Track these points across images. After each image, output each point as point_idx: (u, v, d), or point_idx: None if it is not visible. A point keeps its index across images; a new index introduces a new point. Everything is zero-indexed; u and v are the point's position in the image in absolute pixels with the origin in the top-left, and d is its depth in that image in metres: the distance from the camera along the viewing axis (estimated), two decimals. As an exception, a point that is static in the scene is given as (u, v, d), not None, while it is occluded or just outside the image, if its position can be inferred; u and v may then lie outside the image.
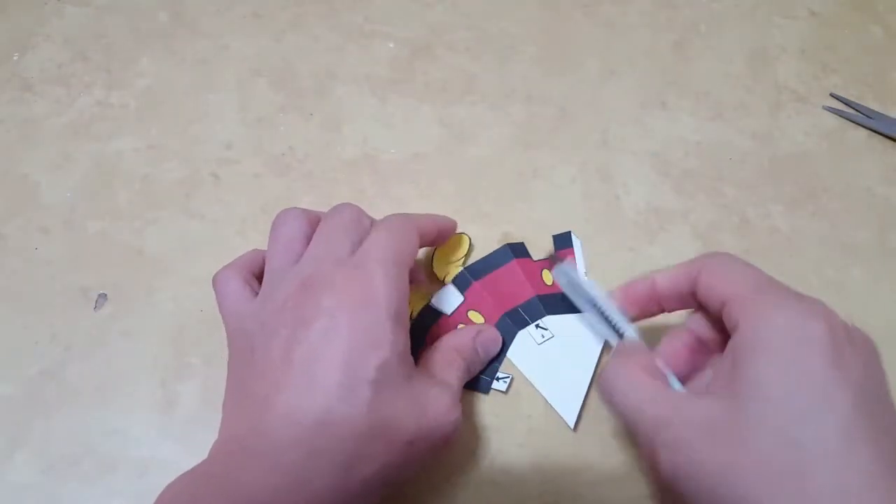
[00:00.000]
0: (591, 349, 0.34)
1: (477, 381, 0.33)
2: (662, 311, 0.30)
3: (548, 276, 0.36)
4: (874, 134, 0.42)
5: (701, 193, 0.40)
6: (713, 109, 0.43)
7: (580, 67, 0.45)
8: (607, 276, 0.37)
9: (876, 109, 0.43)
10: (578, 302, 0.33)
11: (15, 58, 0.44)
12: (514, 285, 0.36)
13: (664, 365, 0.28)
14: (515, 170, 0.41)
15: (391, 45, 0.45)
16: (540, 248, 0.38)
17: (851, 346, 0.23)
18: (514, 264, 0.36)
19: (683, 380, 0.28)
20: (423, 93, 0.43)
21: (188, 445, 0.32)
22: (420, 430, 0.26)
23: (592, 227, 0.39)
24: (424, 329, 0.35)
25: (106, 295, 0.36)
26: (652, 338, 0.30)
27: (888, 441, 0.21)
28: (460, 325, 0.35)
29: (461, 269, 0.36)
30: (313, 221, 0.31)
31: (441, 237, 0.35)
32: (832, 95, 0.44)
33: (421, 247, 0.32)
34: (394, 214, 0.31)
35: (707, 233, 0.39)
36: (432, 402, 0.27)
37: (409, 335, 0.28)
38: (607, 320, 0.31)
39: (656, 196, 0.40)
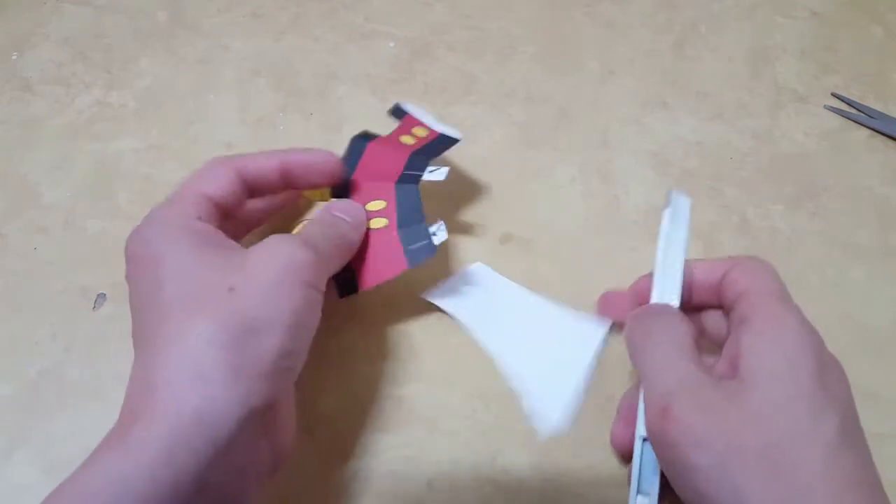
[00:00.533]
0: (583, 353, 0.34)
1: (415, 241, 0.32)
2: (689, 301, 0.30)
3: (407, 139, 0.36)
4: (875, 134, 0.42)
5: (701, 193, 0.40)
6: (713, 109, 0.43)
7: (580, 67, 0.45)
8: (608, 276, 0.37)
9: (877, 109, 0.43)
10: (661, 242, 0.31)
11: (15, 58, 0.44)
12: (385, 161, 0.35)
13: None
14: (515, 170, 0.41)
15: (391, 45, 0.45)
16: (541, 250, 0.38)
17: (832, 370, 0.25)
18: (372, 146, 0.36)
19: None
20: (423, 93, 0.43)
21: (188, 445, 0.32)
22: (237, 272, 0.25)
23: (592, 227, 0.39)
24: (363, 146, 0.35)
25: (106, 295, 0.36)
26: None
27: (866, 451, 0.24)
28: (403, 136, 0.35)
29: (328, 192, 0.35)
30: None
31: (305, 174, 0.32)
32: (833, 95, 0.44)
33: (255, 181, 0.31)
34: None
35: (707, 233, 0.39)
36: (253, 251, 0.26)
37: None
38: (668, 280, 0.30)
39: (656, 196, 0.40)
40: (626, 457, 0.31)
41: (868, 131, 0.43)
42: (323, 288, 0.27)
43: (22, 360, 0.34)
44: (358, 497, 0.31)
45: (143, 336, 0.25)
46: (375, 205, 0.33)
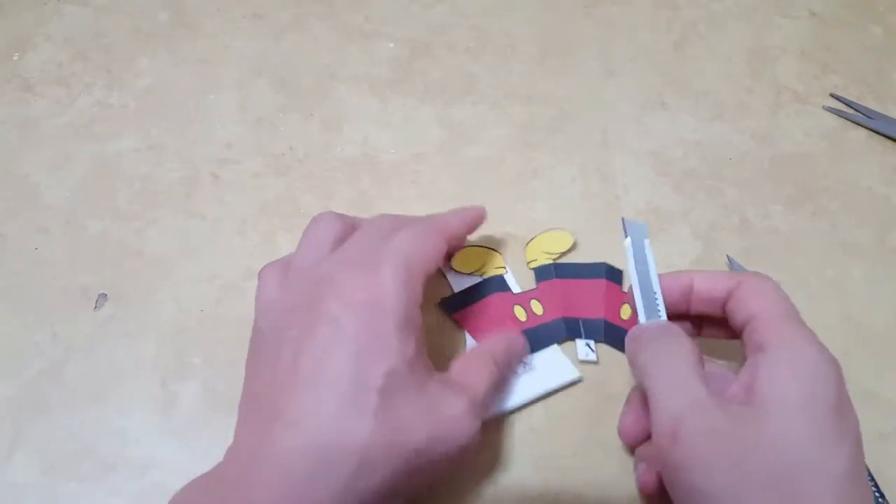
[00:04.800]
0: (538, 386, 0.34)
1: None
2: (687, 311, 0.30)
3: (625, 312, 0.35)
4: (874, 134, 0.42)
5: (701, 193, 0.40)
6: (713, 109, 0.43)
7: (580, 67, 0.45)
8: (607, 276, 0.37)
9: (876, 109, 0.43)
10: (630, 265, 0.31)
11: (15, 58, 0.44)
12: (589, 300, 0.35)
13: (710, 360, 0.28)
14: (515, 170, 0.41)
15: (391, 45, 0.45)
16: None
17: (849, 402, 0.25)
18: (602, 282, 0.36)
19: None
20: (423, 93, 0.43)
21: (188, 445, 0.32)
22: (431, 438, 0.25)
23: (592, 227, 0.39)
24: (482, 294, 0.35)
25: (106, 295, 0.36)
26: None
27: (867, 484, 0.24)
28: (516, 306, 0.35)
29: (550, 262, 0.36)
30: (348, 227, 0.30)
31: (471, 229, 0.34)
32: (832, 95, 0.44)
33: (453, 247, 0.32)
34: (421, 218, 0.31)
35: (707, 233, 0.39)
36: (446, 408, 0.26)
37: (421, 340, 0.27)
38: (650, 297, 0.30)
39: (656, 196, 0.40)
40: (633, 450, 0.31)
41: (867, 132, 0.43)
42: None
43: (22, 360, 0.34)
44: (358, 497, 0.31)
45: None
46: (536, 305, 0.35)
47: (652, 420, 0.26)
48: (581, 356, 0.34)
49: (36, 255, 0.37)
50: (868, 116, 0.43)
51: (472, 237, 0.36)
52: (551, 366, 0.34)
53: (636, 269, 0.31)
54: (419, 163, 0.41)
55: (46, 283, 0.36)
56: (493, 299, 0.35)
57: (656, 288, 0.30)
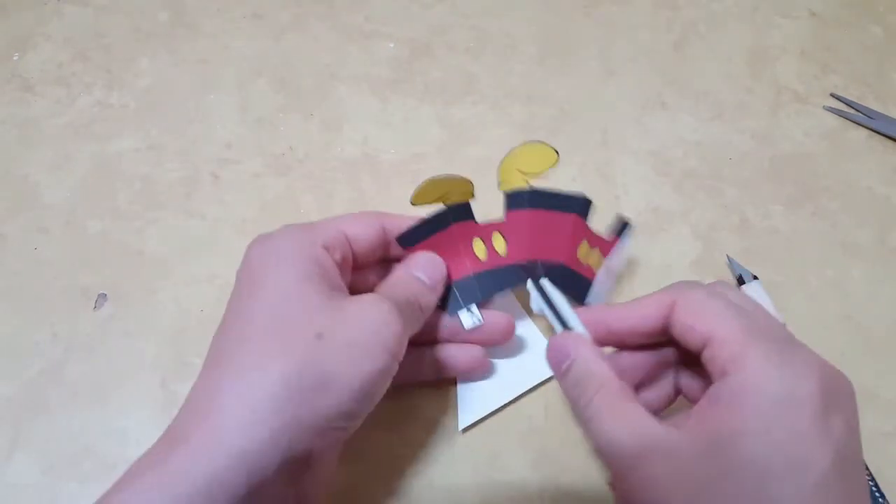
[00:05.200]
0: (527, 379, 0.34)
1: (448, 300, 0.32)
2: (627, 344, 0.29)
3: (583, 250, 0.33)
4: (874, 134, 0.42)
5: (701, 193, 0.40)
6: (713, 109, 0.43)
7: (580, 67, 0.45)
8: (607, 276, 0.37)
9: (876, 109, 0.43)
10: (547, 312, 0.30)
11: (15, 58, 0.44)
12: (554, 238, 0.33)
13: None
14: (515, 170, 0.41)
15: (391, 45, 0.45)
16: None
17: (836, 402, 0.23)
18: (570, 218, 0.33)
19: (638, 388, 0.28)
20: (423, 93, 0.43)
21: (188, 445, 0.32)
22: (330, 321, 0.25)
23: (592, 227, 0.39)
24: (442, 225, 0.32)
25: (106, 295, 0.36)
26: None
27: (857, 498, 0.22)
28: (477, 240, 0.32)
29: (527, 184, 0.33)
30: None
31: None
32: (832, 95, 0.44)
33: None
34: None
35: (707, 233, 0.39)
36: (351, 304, 0.26)
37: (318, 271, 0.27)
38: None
39: (656, 196, 0.40)
40: None
41: (867, 131, 0.43)
42: (401, 358, 0.27)
43: (22, 360, 0.34)
44: (358, 497, 0.31)
45: (219, 352, 0.26)
46: (498, 239, 0.33)
47: (601, 458, 0.25)
48: (467, 326, 0.32)
49: (36, 255, 0.37)
50: (868, 116, 0.43)
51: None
52: (539, 358, 0.34)
53: (554, 316, 0.30)
54: (419, 163, 0.41)
55: (46, 283, 0.36)
56: (454, 230, 0.32)
57: (579, 324, 0.29)
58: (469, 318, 0.32)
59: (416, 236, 0.31)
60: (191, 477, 0.22)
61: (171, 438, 0.24)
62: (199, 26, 0.46)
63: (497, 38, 0.46)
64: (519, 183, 0.33)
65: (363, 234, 0.30)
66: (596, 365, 0.26)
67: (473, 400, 0.33)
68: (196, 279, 0.37)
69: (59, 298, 0.36)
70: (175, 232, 0.38)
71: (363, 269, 0.31)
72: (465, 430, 0.33)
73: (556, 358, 0.27)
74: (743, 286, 0.36)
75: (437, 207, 0.32)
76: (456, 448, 0.32)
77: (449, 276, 0.32)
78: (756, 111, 0.43)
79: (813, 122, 0.43)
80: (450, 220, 0.32)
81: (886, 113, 0.43)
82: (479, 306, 0.32)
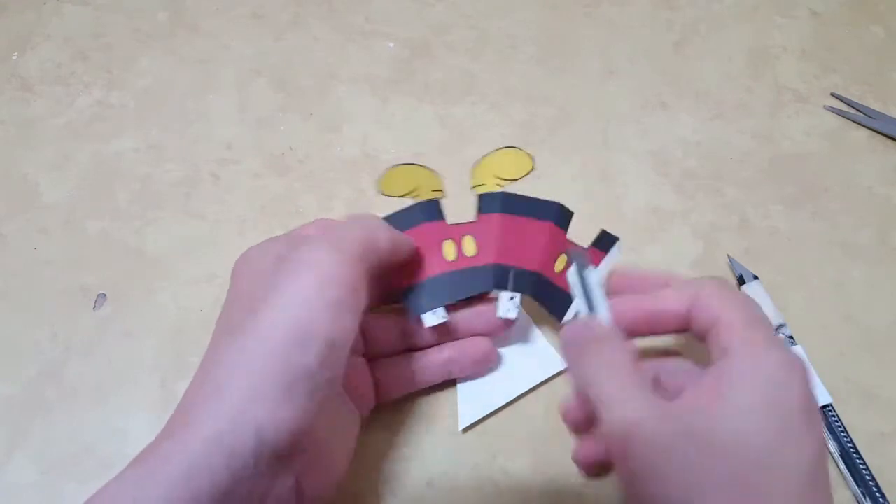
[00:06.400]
0: (528, 379, 0.34)
1: (412, 299, 0.31)
2: (658, 331, 0.29)
3: (560, 264, 0.32)
4: (875, 134, 0.42)
5: (701, 193, 0.40)
6: (713, 109, 0.43)
7: (580, 67, 0.45)
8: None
9: (877, 109, 0.43)
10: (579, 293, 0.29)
11: (15, 57, 0.44)
12: (529, 245, 0.32)
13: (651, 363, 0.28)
14: (515, 170, 0.41)
15: (391, 45, 0.45)
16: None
17: (816, 404, 0.24)
18: (547, 226, 0.32)
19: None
20: (423, 93, 0.43)
21: (188, 445, 0.32)
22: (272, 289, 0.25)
23: (592, 227, 0.39)
24: (411, 223, 0.31)
25: (106, 295, 0.36)
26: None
27: (828, 493, 0.23)
28: (447, 242, 0.32)
29: (499, 189, 0.32)
30: None
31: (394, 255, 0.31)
32: (833, 95, 0.44)
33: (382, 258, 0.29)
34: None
35: (707, 233, 0.39)
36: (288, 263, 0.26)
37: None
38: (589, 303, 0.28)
39: (656, 196, 0.40)
40: (591, 473, 0.29)
41: (868, 131, 0.43)
42: (360, 291, 0.26)
43: (22, 360, 0.34)
44: (358, 496, 0.31)
45: (208, 351, 0.27)
46: (469, 242, 0.32)
47: (602, 432, 0.25)
48: (501, 313, 0.31)
49: (36, 255, 0.37)
50: (869, 116, 0.43)
51: (408, 158, 0.33)
52: (539, 358, 0.34)
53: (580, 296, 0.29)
54: (419, 163, 0.40)
55: (46, 283, 0.36)
56: (423, 229, 0.31)
57: (602, 296, 0.28)
58: (432, 317, 0.31)
59: None
60: (169, 465, 0.22)
61: (159, 436, 0.24)
62: (199, 26, 0.46)
63: (497, 38, 0.46)
64: (492, 187, 0.33)
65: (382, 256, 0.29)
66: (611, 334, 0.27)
67: (473, 400, 0.33)
68: (196, 279, 0.37)
69: (59, 298, 0.36)
70: (175, 232, 0.38)
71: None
72: (465, 430, 0.33)
73: (569, 343, 0.28)
74: (743, 286, 0.36)
75: (406, 202, 0.31)
76: (456, 448, 0.32)
77: (418, 275, 0.31)
78: (756, 111, 0.43)
79: (813, 122, 0.43)
80: (420, 217, 0.31)
81: (887, 113, 0.43)
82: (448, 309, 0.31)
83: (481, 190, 0.32)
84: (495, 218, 0.32)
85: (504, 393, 0.33)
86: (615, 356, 0.26)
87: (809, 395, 0.24)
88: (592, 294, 0.29)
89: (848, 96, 0.44)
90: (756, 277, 0.36)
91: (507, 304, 0.31)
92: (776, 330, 0.35)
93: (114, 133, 0.41)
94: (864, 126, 0.43)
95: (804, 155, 0.42)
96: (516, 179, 0.33)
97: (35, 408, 0.33)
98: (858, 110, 0.43)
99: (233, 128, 0.42)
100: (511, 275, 0.31)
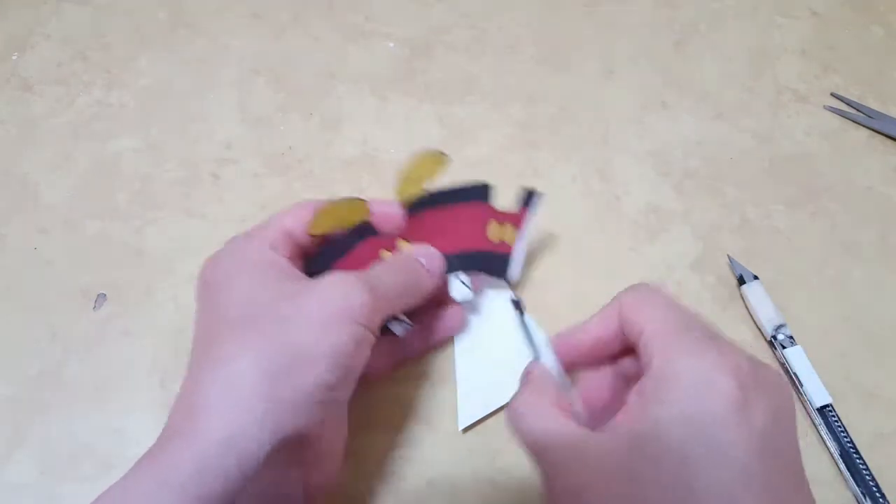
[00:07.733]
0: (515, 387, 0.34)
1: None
2: (601, 361, 0.29)
3: (493, 231, 0.34)
4: (875, 134, 0.42)
5: (701, 193, 0.40)
6: (713, 109, 0.43)
7: (580, 67, 0.45)
8: (607, 275, 0.37)
9: (877, 109, 0.43)
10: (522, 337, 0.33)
11: (14, 57, 0.44)
12: (460, 229, 0.33)
13: (576, 398, 0.28)
14: (516, 169, 0.40)
15: (391, 45, 0.45)
16: (540, 249, 0.38)
17: (758, 395, 0.23)
18: (471, 206, 0.34)
19: (607, 414, 0.27)
20: (423, 93, 0.43)
21: (188, 445, 0.32)
22: (295, 304, 0.26)
23: (592, 226, 0.39)
24: (347, 247, 0.32)
25: (106, 295, 0.36)
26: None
27: (786, 487, 0.22)
28: (383, 251, 0.32)
29: (423, 191, 0.33)
30: None
31: (381, 223, 0.33)
32: (833, 95, 0.44)
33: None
34: None
35: (707, 233, 0.39)
36: (315, 284, 0.27)
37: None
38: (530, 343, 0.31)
39: (656, 196, 0.40)
40: None
41: (868, 131, 0.43)
42: (375, 328, 0.27)
43: (22, 360, 0.34)
44: (358, 497, 0.31)
45: (197, 355, 0.26)
46: (404, 245, 0.33)
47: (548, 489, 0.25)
48: (458, 297, 0.33)
49: (36, 255, 0.37)
50: (869, 116, 0.43)
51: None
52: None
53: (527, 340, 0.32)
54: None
55: (46, 283, 0.36)
56: (360, 249, 0.32)
57: (534, 335, 0.31)
58: (461, 290, 0.33)
59: (324, 262, 0.32)
60: (181, 466, 0.22)
61: (163, 436, 0.24)
62: (199, 26, 0.46)
63: (497, 38, 0.46)
64: (416, 191, 0.33)
65: (301, 226, 0.30)
66: (542, 374, 0.28)
67: (473, 400, 0.33)
68: (195, 279, 0.36)
69: (59, 298, 0.36)
70: (174, 232, 0.38)
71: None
72: (465, 430, 0.33)
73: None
74: (743, 286, 0.36)
75: (338, 233, 0.32)
76: (456, 448, 0.32)
77: None
78: (756, 111, 0.43)
79: (813, 122, 0.43)
80: (355, 240, 0.33)
81: (887, 112, 0.43)
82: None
83: (404, 197, 0.33)
84: (423, 216, 0.33)
85: (504, 393, 0.33)
86: (537, 395, 0.27)
87: (739, 389, 0.22)
88: (534, 339, 0.31)
89: (848, 96, 0.44)
90: (756, 277, 0.36)
91: (457, 285, 0.33)
92: (776, 330, 0.35)
93: (113, 133, 0.41)
94: (864, 126, 0.43)
95: (804, 155, 0.42)
96: (434, 177, 0.34)
97: (35, 408, 0.33)
98: (858, 110, 0.43)
99: (232, 127, 0.42)
100: (451, 259, 0.33)
